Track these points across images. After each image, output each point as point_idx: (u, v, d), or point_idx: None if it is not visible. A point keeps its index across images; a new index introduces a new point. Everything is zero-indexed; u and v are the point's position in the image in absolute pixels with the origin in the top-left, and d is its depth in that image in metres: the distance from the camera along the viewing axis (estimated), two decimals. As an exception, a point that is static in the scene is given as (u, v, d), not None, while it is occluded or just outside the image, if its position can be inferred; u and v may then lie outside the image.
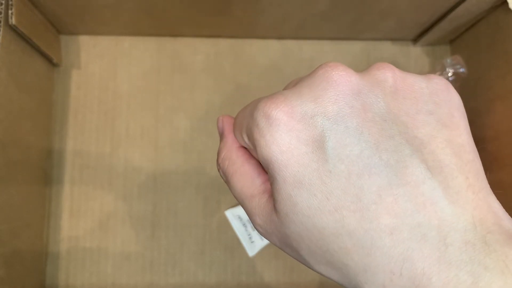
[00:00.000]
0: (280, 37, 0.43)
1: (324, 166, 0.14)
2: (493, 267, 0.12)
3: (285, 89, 0.17)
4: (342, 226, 0.14)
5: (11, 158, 0.33)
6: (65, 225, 0.39)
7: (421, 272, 0.12)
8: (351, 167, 0.14)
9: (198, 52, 0.43)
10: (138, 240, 0.40)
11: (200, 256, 0.40)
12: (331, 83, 0.15)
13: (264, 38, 0.43)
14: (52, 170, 0.40)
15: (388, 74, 0.15)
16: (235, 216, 0.40)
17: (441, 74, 0.40)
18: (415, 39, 0.44)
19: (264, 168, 0.17)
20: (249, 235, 0.40)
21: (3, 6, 0.30)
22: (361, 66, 0.44)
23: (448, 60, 0.40)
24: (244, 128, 0.17)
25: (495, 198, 0.14)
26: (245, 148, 0.19)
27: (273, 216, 0.16)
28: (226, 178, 0.19)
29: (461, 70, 0.39)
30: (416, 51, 0.44)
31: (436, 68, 0.41)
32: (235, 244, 0.40)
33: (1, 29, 0.30)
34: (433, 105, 0.15)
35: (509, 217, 0.14)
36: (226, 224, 0.40)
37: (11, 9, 0.31)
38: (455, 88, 0.38)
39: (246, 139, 0.17)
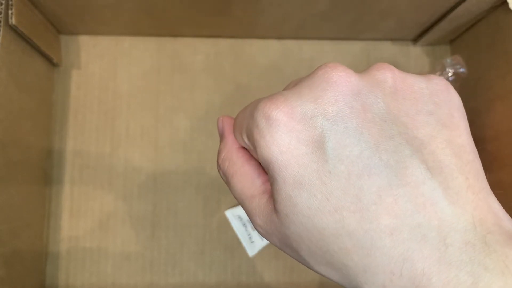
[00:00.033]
0: (280, 37, 0.43)
1: (324, 166, 0.14)
2: (493, 268, 0.12)
3: (285, 89, 0.17)
4: (342, 226, 0.14)
5: (11, 158, 0.33)
6: (65, 225, 0.39)
7: (421, 272, 0.12)
8: (351, 167, 0.14)
9: (198, 52, 0.43)
10: (138, 240, 0.40)
11: (200, 256, 0.40)
12: (330, 84, 0.15)
13: (264, 38, 0.43)
14: (52, 170, 0.40)
15: (388, 75, 0.15)
16: (235, 216, 0.40)
17: (441, 74, 0.40)
18: (415, 39, 0.44)
19: (264, 168, 0.17)
20: (249, 235, 0.40)
21: (3, 6, 0.30)
22: (361, 66, 0.44)
23: (448, 60, 0.40)
24: (244, 128, 0.17)
25: (495, 198, 0.14)
26: (245, 148, 0.19)
27: (273, 217, 0.16)
28: (226, 179, 0.19)
29: (461, 70, 0.39)
30: (416, 51, 0.44)
31: (436, 68, 0.41)
32: (235, 244, 0.40)
33: (1, 29, 0.30)
34: (433, 106, 0.15)
35: (509, 217, 0.14)
36: (226, 224, 0.40)
37: (11, 9, 0.31)
38: (455, 88, 0.38)
39: (246, 140, 0.17)
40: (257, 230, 0.17)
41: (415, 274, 0.13)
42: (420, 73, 0.42)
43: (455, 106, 0.16)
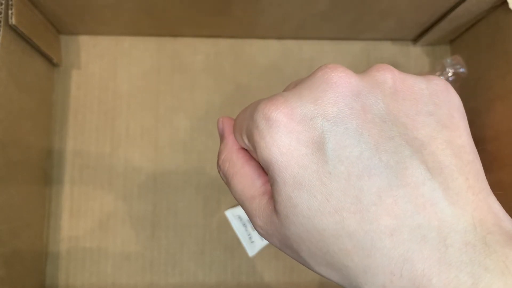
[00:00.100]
0: (280, 37, 0.43)
1: (324, 167, 0.14)
2: (493, 268, 0.12)
3: (285, 90, 0.17)
4: (342, 227, 0.14)
5: (11, 158, 0.33)
6: (65, 225, 0.39)
7: (421, 273, 0.12)
8: (351, 168, 0.14)
9: (198, 52, 0.43)
10: (138, 240, 0.40)
11: (200, 256, 0.40)
12: (330, 85, 0.15)
13: (264, 38, 0.43)
14: (52, 170, 0.40)
15: (387, 76, 0.15)
16: (235, 216, 0.40)
17: (441, 74, 0.40)
18: (415, 39, 0.44)
19: (264, 169, 0.17)
20: (249, 235, 0.40)
21: (3, 6, 0.30)
22: (361, 66, 0.44)
23: (448, 60, 0.40)
24: (244, 129, 0.17)
25: (495, 199, 0.14)
26: (245, 149, 0.19)
27: (273, 218, 0.16)
28: (226, 180, 0.19)
29: (461, 70, 0.39)
30: (416, 51, 0.44)
31: (436, 68, 0.41)
32: (235, 244, 0.40)
33: (1, 29, 0.30)
34: (433, 106, 0.15)
35: (509, 218, 0.14)
36: (226, 224, 0.40)
37: (11, 9, 0.31)
38: (455, 88, 0.38)
39: (246, 141, 0.17)
40: (257, 231, 0.17)
41: (415, 275, 0.13)
42: (420, 73, 0.42)
43: (455, 107, 0.16)
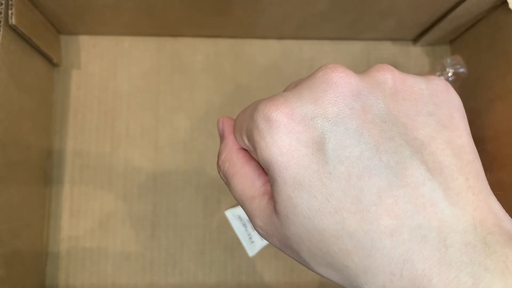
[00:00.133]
0: (280, 37, 0.43)
1: (324, 167, 0.14)
2: (494, 268, 0.12)
3: (285, 90, 0.17)
4: (343, 227, 0.14)
5: (11, 158, 0.33)
6: (65, 225, 0.39)
7: (421, 273, 0.12)
8: (351, 168, 0.14)
9: (198, 52, 0.43)
10: (138, 240, 0.40)
11: (200, 256, 0.40)
12: (330, 85, 0.15)
13: (264, 38, 0.43)
14: (52, 170, 0.40)
15: (387, 76, 0.15)
16: (235, 216, 0.40)
17: (441, 74, 0.40)
18: (415, 39, 0.44)
19: (264, 169, 0.17)
20: (249, 235, 0.40)
21: (3, 6, 0.30)
22: (361, 66, 0.44)
23: (448, 60, 0.40)
24: (244, 130, 0.17)
25: (496, 199, 0.14)
26: (245, 149, 0.19)
27: (273, 218, 0.16)
28: (226, 180, 0.19)
29: (461, 70, 0.39)
30: (416, 51, 0.44)
31: (436, 68, 0.41)
32: (235, 244, 0.40)
33: (1, 29, 0.30)
34: (433, 106, 0.15)
35: (509, 218, 0.14)
36: (226, 224, 0.40)
37: (11, 9, 0.31)
38: (455, 88, 0.38)
39: (246, 141, 0.17)
40: (257, 231, 0.17)
41: (416, 275, 0.13)
42: (420, 73, 0.42)
43: (455, 107, 0.16)
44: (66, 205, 0.40)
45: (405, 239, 0.13)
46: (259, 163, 0.18)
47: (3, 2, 0.30)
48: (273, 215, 0.16)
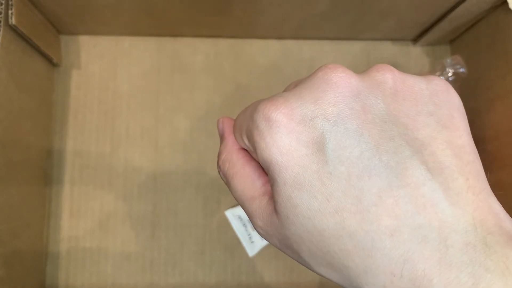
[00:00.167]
0: (280, 37, 0.43)
1: (324, 168, 0.14)
2: (494, 269, 0.12)
3: (285, 91, 0.17)
4: (343, 228, 0.14)
5: (11, 158, 0.33)
6: (65, 225, 0.39)
7: (421, 273, 0.12)
8: (351, 168, 0.14)
9: (198, 52, 0.43)
10: (138, 240, 0.40)
11: (200, 256, 0.40)
12: (330, 85, 0.15)
13: (264, 38, 0.43)
14: (52, 170, 0.40)
15: (387, 76, 0.15)
16: (235, 216, 0.40)
17: (441, 74, 0.40)
18: (415, 39, 0.44)
19: (264, 170, 0.17)
20: (249, 235, 0.40)
21: (3, 6, 0.30)
22: (361, 66, 0.44)
23: (448, 60, 0.40)
24: (244, 130, 0.17)
25: (496, 199, 0.14)
26: (246, 150, 0.19)
27: (273, 218, 0.16)
28: (226, 180, 0.19)
29: (461, 70, 0.39)
30: (416, 51, 0.44)
31: (436, 68, 0.41)
32: (235, 244, 0.40)
33: (1, 29, 0.30)
34: (433, 107, 0.15)
35: (509, 218, 0.14)
36: (226, 224, 0.40)
37: (11, 9, 0.31)
38: (455, 88, 0.38)
39: (246, 141, 0.17)
40: (257, 231, 0.17)
41: (416, 275, 0.13)
42: (420, 73, 0.42)
43: (455, 107, 0.16)
44: (66, 205, 0.40)
45: (406, 239, 0.13)
46: (259, 163, 0.18)
47: (3, 2, 0.30)
48: (273, 215, 0.16)
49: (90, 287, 0.39)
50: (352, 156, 0.14)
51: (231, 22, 0.40)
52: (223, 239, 0.40)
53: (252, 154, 0.18)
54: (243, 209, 0.18)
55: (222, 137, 0.20)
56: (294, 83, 0.17)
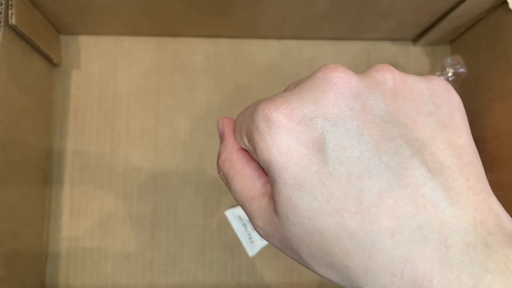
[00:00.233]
0: (280, 37, 0.43)
1: (325, 168, 0.14)
2: (494, 269, 0.12)
3: (285, 91, 0.17)
4: (343, 228, 0.14)
5: (11, 158, 0.33)
6: (65, 225, 0.39)
7: (422, 274, 0.12)
8: (352, 169, 0.14)
9: (198, 52, 0.43)
10: (138, 240, 0.40)
11: (200, 256, 0.40)
12: (330, 85, 0.15)
13: (264, 38, 0.43)
14: (52, 170, 0.40)
15: (387, 76, 0.15)
16: (235, 216, 0.40)
17: (441, 74, 0.40)
18: (415, 39, 0.44)
19: (264, 170, 0.17)
20: (249, 235, 0.40)
21: (3, 6, 0.30)
22: (361, 66, 0.44)
23: (448, 60, 0.40)
24: (244, 130, 0.17)
25: (496, 199, 0.14)
26: (245, 150, 0.19)
27: (273, 219, 0.16)
28: (226, 181, 0.19)
29: (461, 70, 0.39)
30: (416, 51, 0.44)
31: (436, 68, 0.41)
32: (235, 244, 0.40)
33: (1, 29, 0.30)
34: (433, 107, 0.15)
35: (510, 218, 0.14)
36: (226, 224, 0.40)
37: (11, 9, 0.31)
38: (455, 88, 0.38)
39: (246, 141, 0.17)
40: (257, 231, 0.17)
41: (416, 276, 0.12)
42: (420, 73, 0.42)
43: (455, 107, 0.16)
44: (66, 205, 0.40)
45: (406, 239, 0.13)
46: (259, 164, 0.18)
47: (3, 2, 0.30)
48: (273, 216, 0.16)
49: (90, 287, 0.39)
50: (352, 157, 0.14)
51: (231, 22, 0.40)
52: (223, 239, 0.40)
53: (252, 155, 0.18)
54: (243, 209, 0.18)
55: (222, 137, 0.20)
56: (294, 83, 0.17)
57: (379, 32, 0.42)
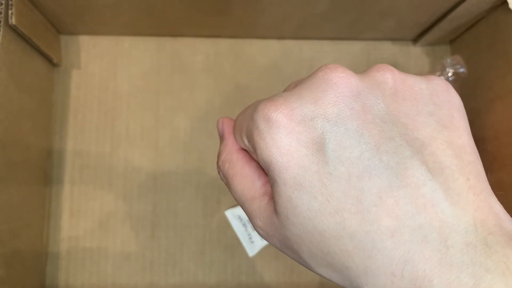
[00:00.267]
0: (280, 37, 0.43)
1: (325, 168, 0.14)
2: (495, 269, 0.12)
3: (285, 91, 0.17)
4: (343, 228, 0.13)
5: (11, 158, 0.33)
6: (65, 225, 0.39)
7: (422, 274, 0.12)
8: (352, 169, 0.14)
9: (198, 52, 0.43)
10: (138, 240, 0.40)
11: (200, 256, 0.40)
12: (330, 85, 0.15)
13: (264, 38, 0.43)
14: (52, 170, 0.40)
15: (387, 76, 0.15)
16: (235, 216, 0.40)
17: (441, 74, 0.40)
18: (415, 39, 0.44)
19: (264, 170, 0.17)
20: (249, 235, 0.40)
21: (3, 6, 0.30)
22: (361, 66, 0.44)
23: (448, 60, 0.40)
24: (244, 130, 0.17)
25: (496, 199, 0.14)
26: (245, 150, 0.19)
27: (273, 219, 0.16)
28: (226, 181, 0.19)
29: (461, 70, 0.39)
30: (416, 51, 0.44)
31: (436, 68, 0.41)
32: (235, 244, 0.40)
33: (1, 29, 0.30)
34: (433, 106, 0.15)
35: (510, 218, 0.14)
36: (226, 224, 0.40)
37: (11, 9, 0.31)
38: (455, 88, 0.38)
39: (246, 142, 0.17)
40: (257, 232, 0.17)
41: (416, 276, 0.12)
42: (420, 73, 0.42)
43: (455, 107, 0.16)
44: (66, 205, 0.40)
45: (406, 239, 0.13)
46: (259, 164, 0.18)
47: (3, 2, 0.30)
48: (273, 216, 0.16)
49: (90, 287, 0.39)
50: (352, 157, 0.14)
51: (231, 22, 0.40)
52: (223, 239, 0.40)
53: (252, 155, 0.18)
54: (243, 209, 0.18)
55: (222, 138, 0.20)
56: (294, 83, 0.17)
57: (379, 32, 0.42)
